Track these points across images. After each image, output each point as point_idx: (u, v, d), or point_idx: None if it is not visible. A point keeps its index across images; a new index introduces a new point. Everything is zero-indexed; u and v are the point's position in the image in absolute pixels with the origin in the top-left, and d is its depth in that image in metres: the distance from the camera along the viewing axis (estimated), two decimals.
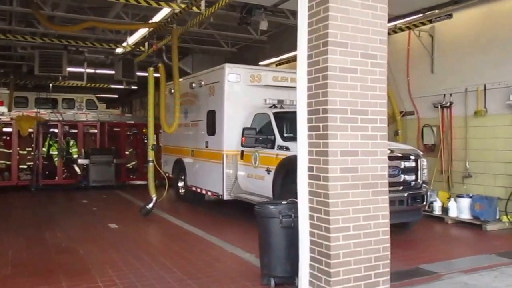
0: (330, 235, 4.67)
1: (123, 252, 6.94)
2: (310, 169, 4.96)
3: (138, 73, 16.13)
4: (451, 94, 10.22)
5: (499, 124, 9.24)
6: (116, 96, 25.63)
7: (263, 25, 11.58)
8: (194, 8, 9.07)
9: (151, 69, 10.24)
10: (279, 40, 15.33)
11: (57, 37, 13.74)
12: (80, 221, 9.45)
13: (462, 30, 10.10)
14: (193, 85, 11.64)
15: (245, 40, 15.29)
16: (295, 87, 9.91)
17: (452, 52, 10.29)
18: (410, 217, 8.24)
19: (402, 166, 7.94)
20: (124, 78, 16.11)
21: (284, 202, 5.82)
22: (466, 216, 9.23)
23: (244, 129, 9.19)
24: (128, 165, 16.80)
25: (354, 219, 4.81)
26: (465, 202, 9.25)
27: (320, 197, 4.80)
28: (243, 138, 9.07)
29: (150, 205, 9.85)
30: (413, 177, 8.05)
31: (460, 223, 9.25)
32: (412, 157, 8.11)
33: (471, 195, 9.32)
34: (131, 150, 17.04)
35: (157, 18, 10.59)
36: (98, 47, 14.34)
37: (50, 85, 18.33)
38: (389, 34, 10.85)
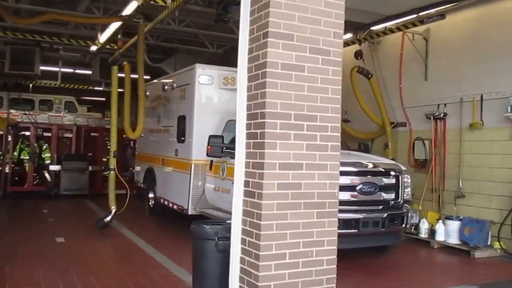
0: (259, 263, 4.02)
1: (53, 270, 6.34)
2: (246, 184, 4.32)
3: (119, 74, 15.52)
4: (445, 105, 9.54)
5: (496, 138, 8.55)
6: (103, 99, 24.99)
7: None
8: (158, 0, 8.47)
9: (115, 67, 9.66)
10: None
11: (29, 32, 13.12)
12: (27, 233, 8.82)
13: (458, 33, 9.44)
14: (166, 87, 11.06)
15: (232, 41, 14.67)
16: None
17: (448, 57, 9.64)
18: (387, 240, 7.56)
19: (380, 183, 7.26)
20: (102, 79, 15.50)
21: (227, 221, 5.16)
22: (454, 240, 8.54)
23: (210, 137, 8.53)
24: (105, 173, 16.18)
25: (292, 245, 4.16)
26: (454, 225, 8.57)
27: (253, 218, 4.15)
28: (209, 147, 8.41)
29: (108, 218, 9.22)
30: (393, 195, 7.37)
31: (447, 248, 8.57)
32: (393, 173, 7.44)
33: (461, 217, 8.61)
34: (109, 157, 16.41)
35: (127, 12, 9.99)
36: (73, 44, 13.70)
37: (30, 85, 17.80)
38: (378, 36, 10.32)
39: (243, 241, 4.31)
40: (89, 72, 16.48)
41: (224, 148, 8.20)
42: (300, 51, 4.22)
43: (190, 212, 9.14)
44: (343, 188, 6.84)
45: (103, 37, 12.28)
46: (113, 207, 9.25)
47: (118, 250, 8.03)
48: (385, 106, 10.67)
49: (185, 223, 10.16)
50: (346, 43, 11.70)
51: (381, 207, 7.24)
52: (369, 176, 7.20)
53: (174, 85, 10.58)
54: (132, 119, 10.30)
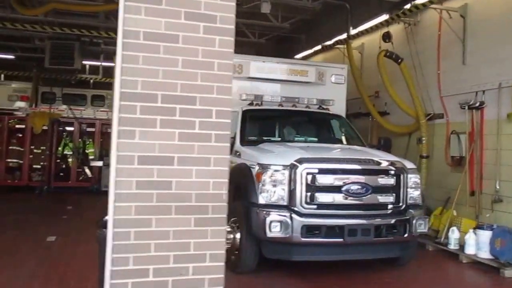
0: (110, 281, 3.26)
1: (12, 271, 6.03)
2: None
3: None
4: (483, 92, 7.99)
5: None
6: None
7: (265, 8, 10.19)
8: None
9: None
10: (316, 29, 13.72)
11: (67, 26, 13.19)
12: (24, 230, 8.64)
13: (497, 7, 7.87)
14: None
15: (274, 30, 13.85)
16: (289, 80, 8.68)
17: (487, 36, 8.08)
18: (384, 252, 6.34)
19: (374, 184, 6.10)
20: None
21: None
22: (485, 254, 7.07)
23: None
24: None
25: (158, 259, 3.34)
26: (485, 236, 7.10)
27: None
28: None
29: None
30: (391, 198, 6.17)
31: (477, 264, 7.11)
32: (392, 172, 6.23)
33: (494, 226, 7.12)
34: None
35: None
36: (113, 37, 13.58)
37: (91, 80, 18.34)
38: (403, 14, 9.03)
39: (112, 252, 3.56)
40: None
41: None
42: (171, 17, 3.38)
43: None
44: (324, 188, 5.96)
45: None
46: None
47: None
48: (418, 95, 9.27)
49: None
50: (376, 26, 10.47)
51: (375, 212, 6.11)
52: (359, 175, 6.07)
53: None
54: None
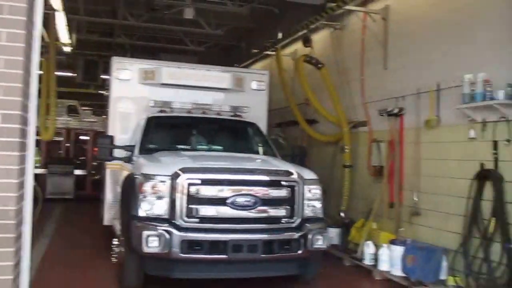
0: None
1: None
2: None
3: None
4: (403, 97, 7.74)
5: (452, 139, 6.73)
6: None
7: (188, 14, 9.89)
8: None
9: None
10: (254, 37, 13.49)
11: None
12: None
13: (417, 8, 7.67)
14: (106, 85, 10.39)
15: (209, 37, 13.58)
16: (203, 87, 8.40)
17: (408, 39, 7.85)
18: (276, 270, 5.95)
19: (264, 195, 5.72)
20: (87, 81, 15.23)
21: None
22: (397, 271, 6.78)
23: (99, 137, 7.50)
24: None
25: None
26: (397, 252, 6.81)
27: None
28: (96, 149, 7.38)
29: None
30: (284, 211, 5.80)
31: (389, 281, 6.82)
32: (285, 183, 5.87)
33: (408, 241, 6.84)
34: None
35: None
36: None
37: None
38: (322, 16, 8.78)
39: None
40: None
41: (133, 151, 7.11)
42: None
43: (105, 222, 8.28)
44: (207, 200, 5.59)
45: None
46: None
47: None
48: (343, 102, 9.03)
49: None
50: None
51: (264, 226, 5.75)
52: (246, 186, 5.70)
53: (107, 82, 9.85)
54: None
